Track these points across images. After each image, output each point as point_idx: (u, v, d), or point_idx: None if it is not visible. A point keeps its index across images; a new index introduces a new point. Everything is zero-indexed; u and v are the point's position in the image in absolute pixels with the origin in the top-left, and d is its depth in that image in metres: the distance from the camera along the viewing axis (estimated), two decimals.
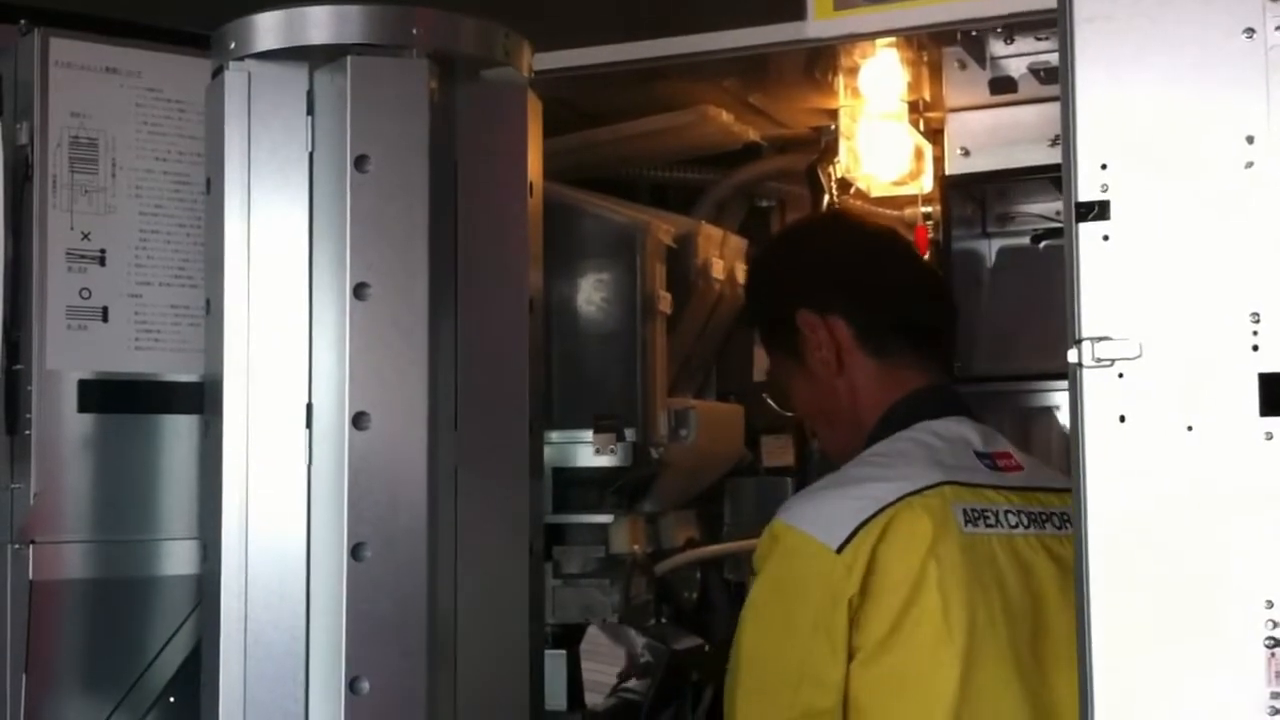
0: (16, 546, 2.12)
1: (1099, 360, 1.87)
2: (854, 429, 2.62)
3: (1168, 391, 1.85)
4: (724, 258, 3.16)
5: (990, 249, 3.38)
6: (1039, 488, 2.52)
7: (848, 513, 2.36)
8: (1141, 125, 1.87)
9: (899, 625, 2.35)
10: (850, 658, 2.36)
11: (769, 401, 3.30)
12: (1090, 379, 1.87)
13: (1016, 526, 2.45)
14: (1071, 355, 1.88)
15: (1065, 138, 1.89)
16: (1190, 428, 1.85)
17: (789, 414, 3.24)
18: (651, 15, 2.68)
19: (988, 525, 2.42)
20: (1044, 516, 2.48)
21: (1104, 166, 1.87)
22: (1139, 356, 1.86)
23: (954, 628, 2.35)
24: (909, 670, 2.36)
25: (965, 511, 2.41)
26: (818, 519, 2.38)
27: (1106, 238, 1.87)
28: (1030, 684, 2.39)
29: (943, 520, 2.37)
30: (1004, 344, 3.04)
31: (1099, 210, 1.87)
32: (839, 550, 2.33)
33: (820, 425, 2.79)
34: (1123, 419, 1.86)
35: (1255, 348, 1.83)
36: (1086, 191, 1.87)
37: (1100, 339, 1.87)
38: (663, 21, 2.66)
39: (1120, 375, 1.86)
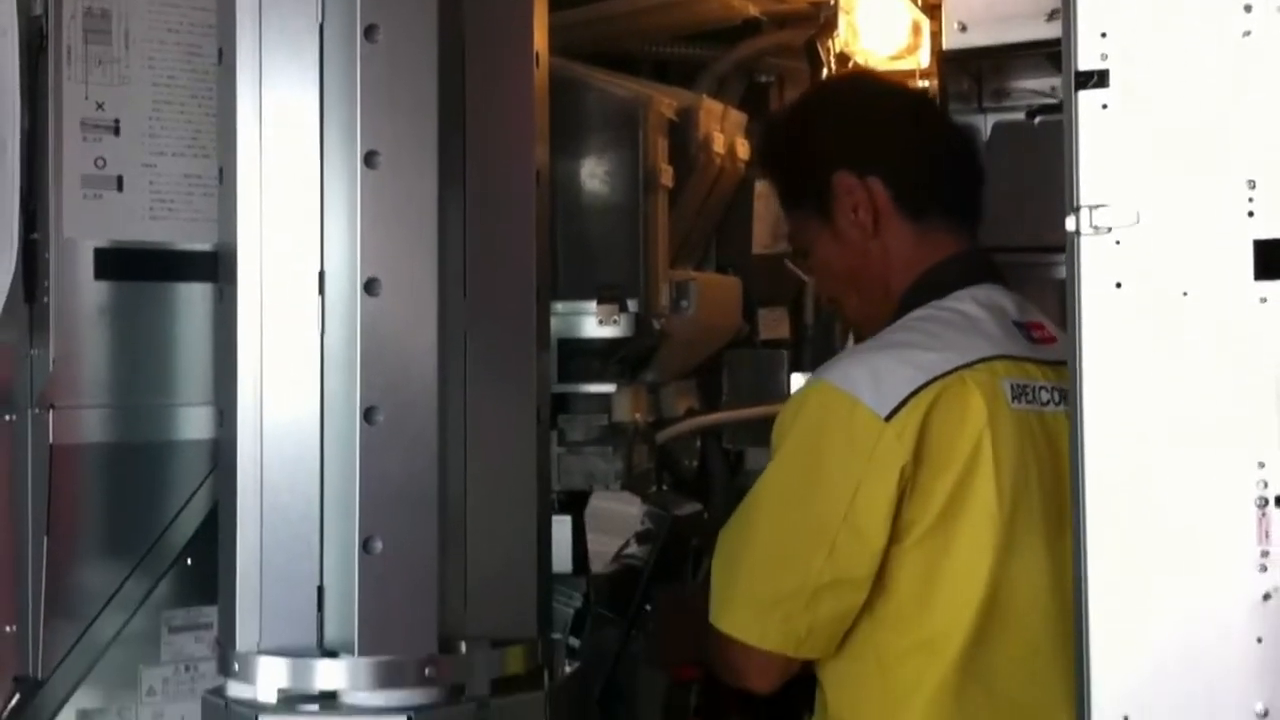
0: (36, 411, 2.14)
1: (1096, 228, 1.88)
2: (883, 296, 2.59)
3: (1164, 258, 1.87)
4: (724, 132, 3.16)
5: (986, 124, 3.38)
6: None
7: (899, 380, 2.34)
8: None
9: (951, 506, 2.35)
10: (894, 537, 2.34)
11: (791, 268, 3.29)
12: (1087, 246, 1.88)
13: (1048, 404, 2.45)
14: (1069, 223, 1.89)
15: (1065, 6, 1.89)
16: (1186, 293, 1.86)
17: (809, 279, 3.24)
18: None
19: (1028, 402, 2.41)
20: None
21: (1103, 35, 1.87)
22: (1136, 223, 1.87)
23: (1003, 504, 2.35)
24: (956, 545, 2.36)
25: (1012, 387, 2.40)
26: (863, 382, 2.35)
27: (1105, 106, 1.87)
28: (1056, 557, 2.39)
29: (994, 397, 2.37)
30: (997, 219, 3.03)
31: (1098, 79, 1.87)
32: (888, 418, 2.31)
33: (847, 292, 2.71)
34: (1119, 285, 1.88)
35: (1250, 214, 1.84)
36: (1086, 60, 1.87)
37: (1098, 206, 1.88)
38: None
39: (1117, 242, 1.88)
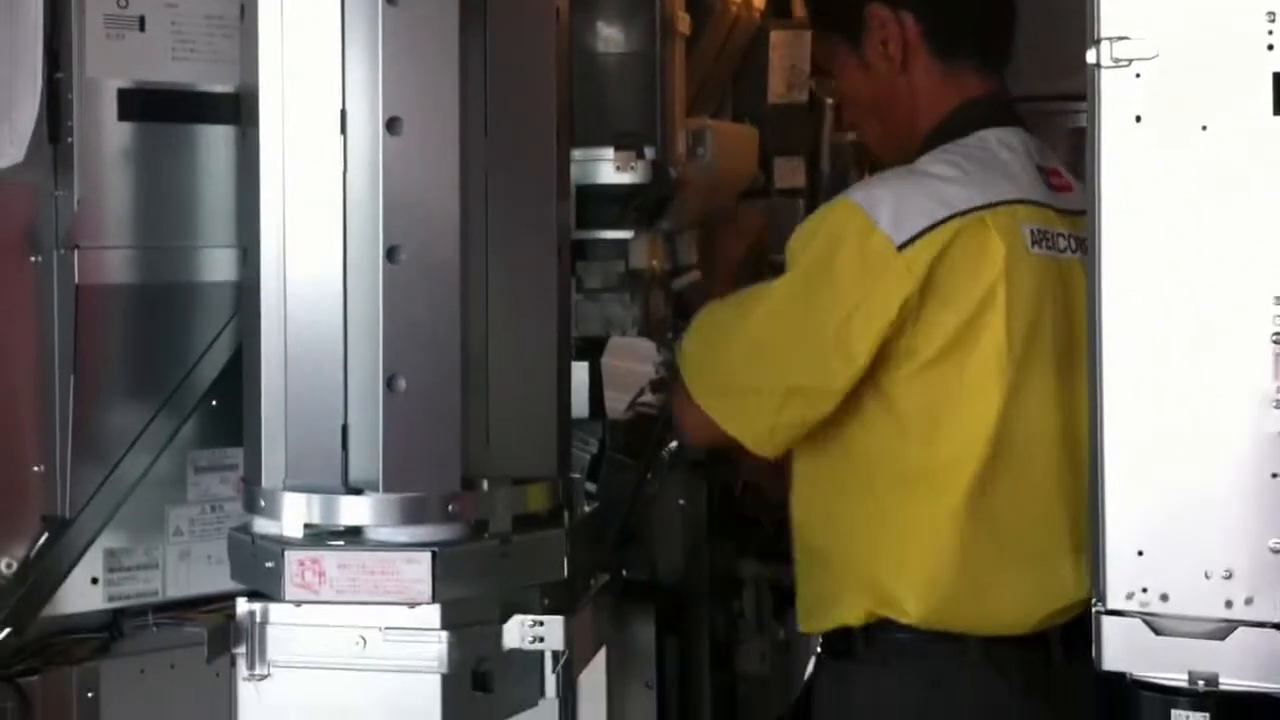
0: (62, 251, 2.14)
1: (1117, 60, 1.87)
2: (908, 131, 2.59)
3: (1183, 91, 1.86)
4: None
5: None
6: (1082, 212, 2.50)
7: (919, 211, 2.36)
8: None
9: (960, 340, 2.36)
10: (892, 363, 2.37)
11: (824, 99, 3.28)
12: (1108, 79, 1.87)
13: (1065, 250, 2.45)
14: (1090, 55, 1.88)
15: None
16: (1205, 127, 1.86)
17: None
18: None
19: (1047, 248, 2.41)
20: (1085, 242, 2.46)
21: None
22: (1156, 56, 1.86)
23: (1014, 345, 2.37)
24: (963, 381, 2.38)
25: (1033, 232, 2.41)
26: (884, 208, 2.36)
27: None
28: (1065, 401, 2.41)
29: (1013, 241, 2.37)
30: (1014, 67, 3.00)
31: None
32: (901, 247, 2.33)
33: (872, 122, 2.71)
34: (1139, 119, 1.87)
35: (1270, 47, 1.83)
36: None
37: (1118, 39, 1.86)
38: None
39: (1137, 75, 1.87)
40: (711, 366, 2.50)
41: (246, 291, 2.06)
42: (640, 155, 2.80)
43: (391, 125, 1.92)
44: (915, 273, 2.32)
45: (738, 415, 2.46)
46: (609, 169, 2.81)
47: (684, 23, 2.90)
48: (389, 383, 1.93)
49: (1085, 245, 2.40)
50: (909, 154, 2.53)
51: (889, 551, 2.44)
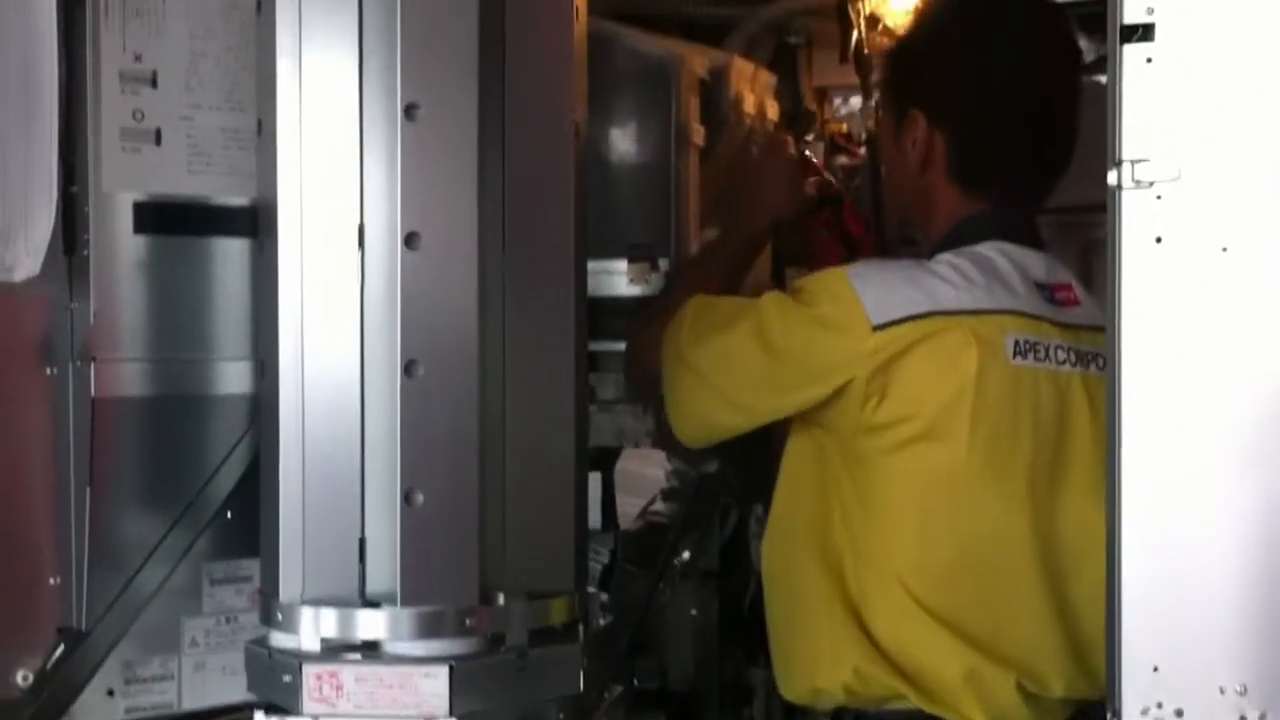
0: (78, 364, 2.13)
1: (1138, 182, 1.86)
2: (928, 224, 2.63)
3: (1204, 213, 1.85)
4: (754, 92, 3.14)
5: None
6: (1090, 326, 2.49)
7: (903, 299, 2.39)
8: None
9: (923, 435, 2.38)
10: (860, 441, 2.41)
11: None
12: (1129, 200, 1.87)
13: (1064, 363, 2.45)
14: (1111, 177, 1.88)
15: None
16: (1225, 249, 1.85)
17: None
18: None
19: (1037, 359, 2.42)
20: (1090, 356, 2.47)
21: None
22: (1177, 178, 1.85)
23: (977, 450, 2.38)
24: (925, 476, 2.40)
25: (1017, 342, 2.41)
26: (872, 286, 2.41)
27: (1150, 60, 1.86)
28: (1042, 505, 2.43)
29: (992, 349, 2.38)
30: None
31: (1143, 32, 1.85)
32: (876, 328, 2.36)
33: (894, 206, 2.82)
34: (1159, 240, 1.87)
35: None
36: (1132, 14, 1.86)
37: (1139, 161, 1.86)
38: None
39: (1158, 197, 1.86)
40: (682, 343, 2.54)
41: (264, 404, 2.05)
42: (654, 267, 2.80)
43: (410, 240, 1.92)
44: (881, 355, 2.36)
45: (677, 386, 2.55)
46: (622, 281, 2.81)
47: (698, 134, 2.90)
48: (406, 496, 1.92)
49: (1088, 359, 2.46)
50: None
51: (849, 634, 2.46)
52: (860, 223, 3.10)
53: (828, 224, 3.13)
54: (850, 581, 2.46)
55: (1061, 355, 2.45)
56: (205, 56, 2.21)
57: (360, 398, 1.96)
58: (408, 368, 1.92)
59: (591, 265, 2.70)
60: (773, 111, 3.20)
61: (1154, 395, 1.88)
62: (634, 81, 2.85)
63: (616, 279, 2.82)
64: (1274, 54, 1.83)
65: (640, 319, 2.74)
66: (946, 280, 2.41)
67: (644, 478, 3.17)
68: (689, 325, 2.53)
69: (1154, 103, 1.85)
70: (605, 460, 2.88)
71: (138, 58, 2.16)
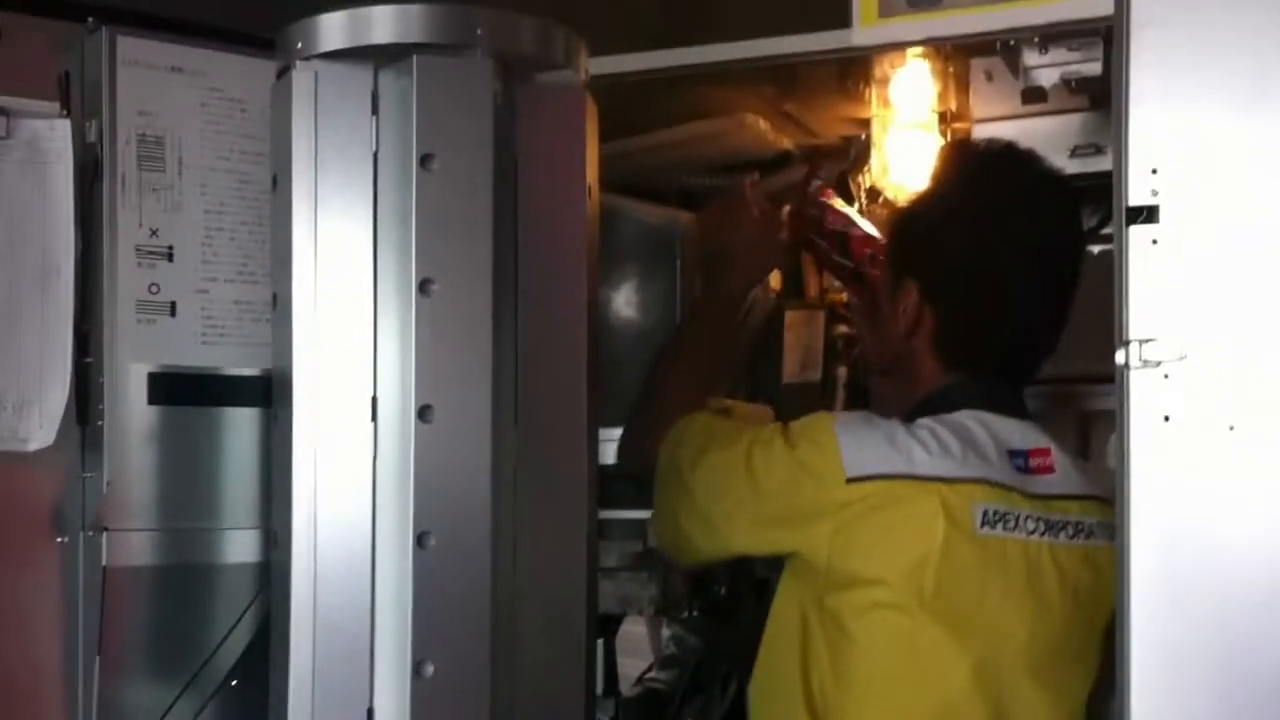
0: (90, 534, 2.13)
1: (1145, 361, 1.88)
2: (904, 390, 2.63)
3: (1212, 392, 1.87)
4: None
5: None
6: (1061, 495, 2.51)
7: (880, 457, 2.40)
8: (1193, 130, 1.88)
9: (886, 598, 2.39)
10: (834, 592, 2.42)
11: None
12: (1136, 379, 1.88)
13: (1034, 533, 2.46)
14: (1119, 356, 1.89)
15: (1116, 141, 1.90)
16: (1233, 427, 1.86)
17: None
18: (696, 21, 2.70)
19: (1006, 529, 2.42)
20: (1059, 525, 2.48)
21: (1154, 171, 1.88)
22: (1184, 358, 1.87)
23: (938, 616, 2.39)
24: (885, 635, 2.41)
25: (986, 513, 2.41)
26: (853, 438, 2.42)
27: (1155, 241, 1.88)
28: (1003, 672, 2.44)
29: (958, 520, 2.39)
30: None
31: (1148, 214, 1.88)
32: (848, 481, 2.38)
33: (876, 369, 2.82)
34: (1167, 419, 1.88)
35: None
36: (1137, 196, 1.88)
37: (1147, 340, 1.88)
38: (708, 28, 2.67)
39: (1165, 376, 1.88)
40: (679, 457, 2.56)
41: (276, 573, 2.05)
42: None
43: (423, 413, 1.93)
44: (850, 509, 2.37)
45: (669, 500, 2.57)
46: None
47: None
48: (416, 668, 1.91)
49: (1058, 528, 2.47)
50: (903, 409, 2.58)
51: None
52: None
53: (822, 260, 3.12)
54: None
55: (1031, 525, 2.46)
56: (221, 231, 2.23)
57: (371, 568, 1.95)
58: (420, 539, 1.91)
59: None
60: (775, 280, 3.22)
61: (1163, 573, 1.88)
62: (640, 252, 2.88)
63: None
64: (1276, 236, 1.85)
65: (639, 398, 2.77)
66: (923, 445, 2.42)
67: (645, 641, 3.17)
68: (688, 438, 2.56)
69: (1160, 283, 1.88)
70: (606, 627, 2.87)
71: (154, 233, 2.18)
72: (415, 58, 1.96)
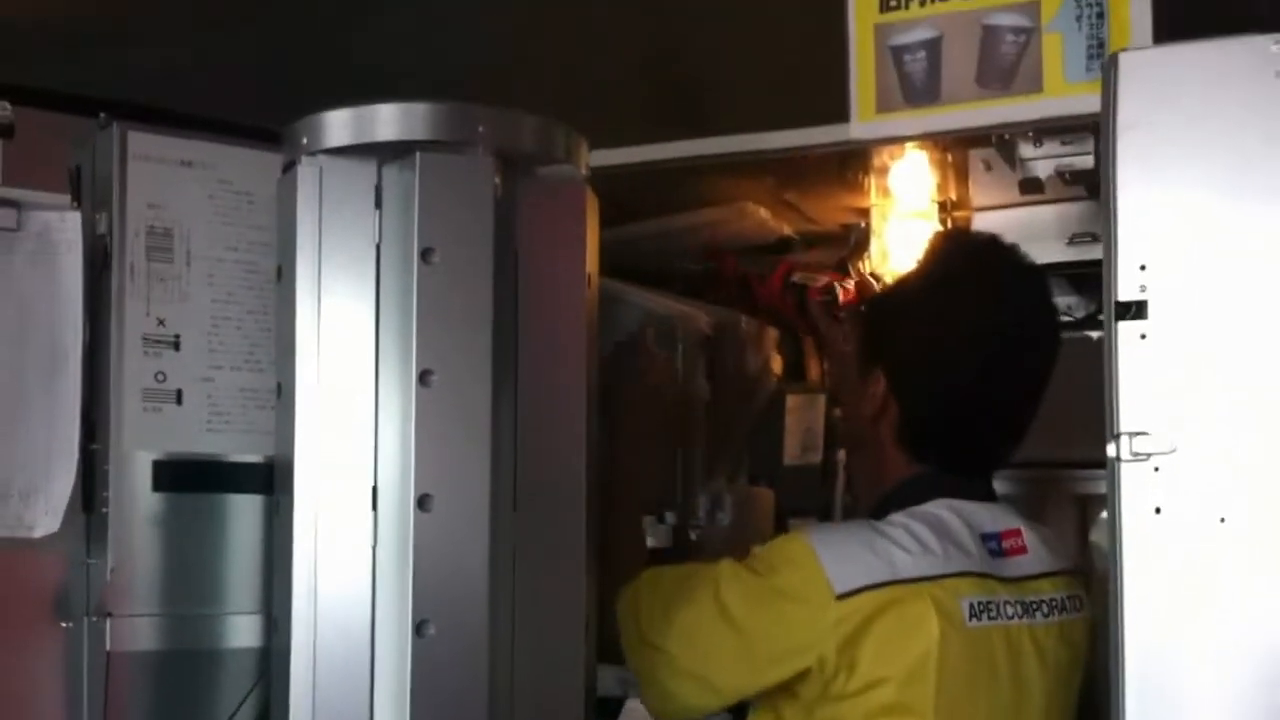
0: (94, 619, 2.13)
1: (1136, 455, 1.88)
2: (875, 472, 2.60)
3: (1202, 485, 1.87)
4: (760, 348, 3.17)
5: None
6: (1034, 575, 2.50)
7: (864, 567, 2.35)
8: (1180, 228, 1.89)
9: (889, 706, 2.34)
10: (824, 699, 2.37)
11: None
12: (1127, 472, 1.89)
13: (1013, 618, 2.44)
14: (1110, 449, 1.90)
15: (1106, 238, 1.92)
16: (1223, 520, 1.86)
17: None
18: (701, 114, 2.72)
19: (990, 618, 2.40)
20: (1035, 605, 2.46)
21: (1143, 267, 1.89)
22: (1174, 451, 1.87)
23: (941, 715, 2.35)
24: None
25: (972, 605, 2.39)
26: (832, 553, 2.36)
27: (1144, 336, 1.89)
28: None
29: (951, 616, 2.36)
30: (1049, 432, 3.03)
31: (1137, 309, 1.89)
32: (840, 597, 2.32)
33: (851, 448, 2.80)
34: (1158, 511, 1.88)
35: None
36: (1126, 291, 1.89)
37: (1137, 434, 1.88)
38: (712, 121, 2.69)
39: (1156, 469, 1.88)
40: (643, 625, 2.47)
41: (276, 659, 2.04)
42: (661, 520, 2.81)
43: (422, 502, 1.93)
44: (845, 625, 2.31)
45: (647, 669, 2.46)
46: None
47: (704, 390, 2.93)
48: None
49: (1033, 609, 2.46)
50: (874, 486, 2.57)
51: None
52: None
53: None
54: None
55: (1010, 611, 2.44)
56: (228, 320, 2.24)
57: (370, 656, 1.96)
58: (419, 628, 1.91)
59: None
60: (777, 366, 3.23)
61: (1157, 666, 1.88)
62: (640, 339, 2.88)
63: None
64: (1265, 329, 1.86)
65: None
66: (903, 547, 2.38)
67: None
68: (645, 603, 2.47)
69: (1149, 377, 1.88)
70: (607, 709, 2.86)
71: (161, 322, 2.19)
72: (418, 154, 1.97)
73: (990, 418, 2.54)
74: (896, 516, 2.46)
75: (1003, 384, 2.52)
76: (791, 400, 3.29)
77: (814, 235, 3.37)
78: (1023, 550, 2.52)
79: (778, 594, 2.37)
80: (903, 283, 2.74)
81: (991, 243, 2.64)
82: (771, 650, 2.38)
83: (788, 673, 2.37)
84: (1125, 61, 1.91)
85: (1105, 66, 1.93)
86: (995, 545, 2.48)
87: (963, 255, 2.66)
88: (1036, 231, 3.06)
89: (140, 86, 2.32)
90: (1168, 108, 1.88)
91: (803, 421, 3.25)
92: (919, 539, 2.40)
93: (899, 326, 2.60)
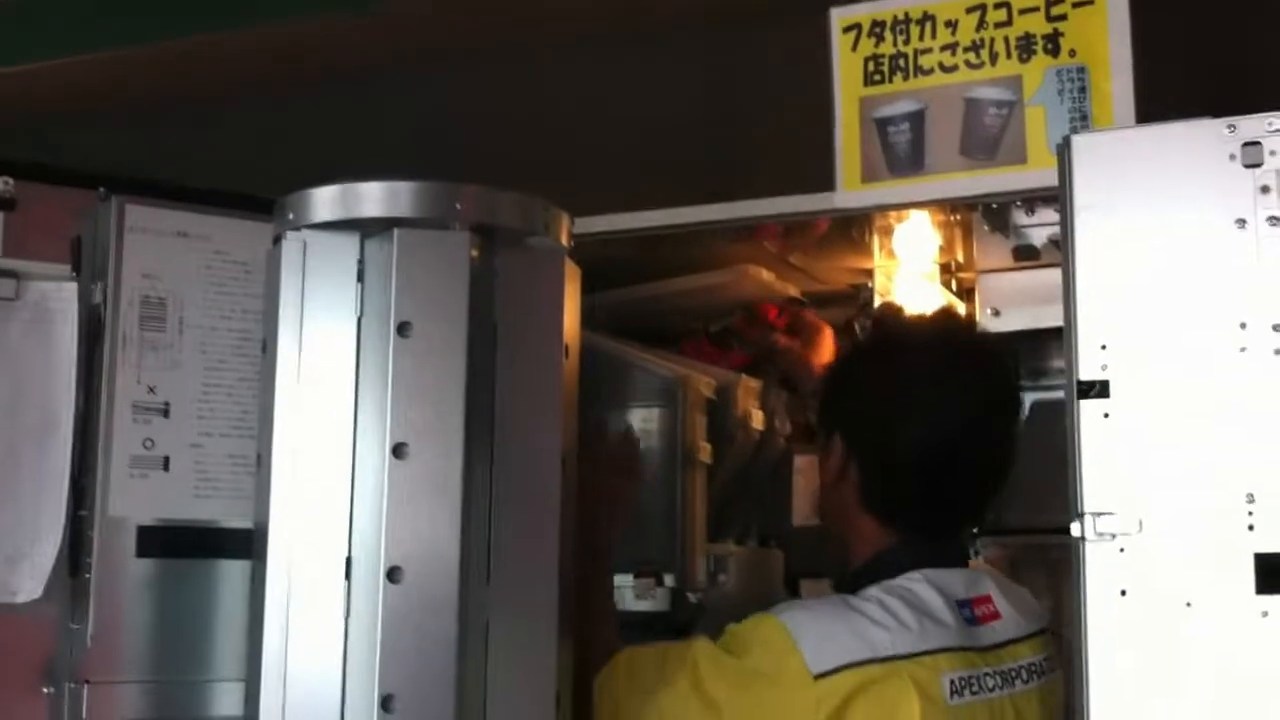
0: (73, 686, 2.10)
1: (1100, 534, 1.82)
2: (851, 542, 2.50)
3: (1167, 567, 1.81)
4: (764, 408, 3.12)
5: (1024, 403, 3.32)
6: (1010, 641, 2.41)
7: (840, 646, 2.25)
8: (1140, 309, 1.84)
9: None
10: None
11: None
12: (1092, 552, 1.83)
13: (995, 690, 2.34)
14: (1074, 529, 1.84)
15: (1066, 318, 1.86)
16: (1189, 604, 1.80)
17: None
18: (704, 183, 2.70)
19: (973, 693, 2.30)
20: (1013, 674, 2.37)
21: (1103, 347, 1.83)
22: (1139, 531, 1.81)
23: None
24: None
25: (953, 682, 2.28)
26: (808, 632, 2.26)
27: (1107, 415, 1.83)
28: None
29: (929, 695, 2.25)
30: (1039, 497, 2.96)
31: (1099, 389, 1.83)
32: (817, 677, 2.22)
33: (825, 520, 2.64)
34: (1124, 593, 1.82)
35: (1251, 527, 1.78)
36: (1087, 370, 1.84)
37: (1101, 514, 1.82)
38: (712, 189, 2.67)
39: (1121, 550, 1.82)
40: (622, 711, 2.36)
41: None
42: (659, 583, 2.76)
43: (392, 574, 1.89)
44: (827, 706, 2.21)
45: None
46: (629, 596, 2.77)
47: (705, 452, 2.88)
48: None
49: (1012, 678, 2.36)
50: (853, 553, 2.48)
51: None
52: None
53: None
54: None
55: (991, 684, 2.33)
56: (217, 388, 2.21)
57: None
58: (384, 703, 1.87)
59: None
60: (784, 426, 3.18)
61: None
62: (642, 400, 2.84)
63: (624, 593, 2.78)
64: (1226, 412, 1.80)
65: None
66: (879, 624, 2.28)
67: None
68: (622, 687, 2.37)
69: (1113, 457, 1.82)
70: None
71: (151, 389, 2.16)
72: (396, 231, 1.95)
73: (950, 474, 2.44)
74: (871, 591, 2.36)
75: (961, 440, 2.42)
76: (799, 461, 3.24)
77: (821, 295, 3.33)
78: (996, 616, 2.42)
79: (755, 675, 2.28)
80: (853, 350, 2.71)
81: (942, 311, 2.62)
82: None
83: None
84: (1078, 144, 1.86)
85: (1060, 148, 1.88)
86: (969, 613, 2.39)
87: (909, 329, 2.63)
88: (1044, 294, 3.00)
89: (171, 160, 2.32)
90: (1124, 189, 1.82)
91: (811, 482, 3.18)
92: (895, 615, 2.30)
93: (849, 389, 2.53)
